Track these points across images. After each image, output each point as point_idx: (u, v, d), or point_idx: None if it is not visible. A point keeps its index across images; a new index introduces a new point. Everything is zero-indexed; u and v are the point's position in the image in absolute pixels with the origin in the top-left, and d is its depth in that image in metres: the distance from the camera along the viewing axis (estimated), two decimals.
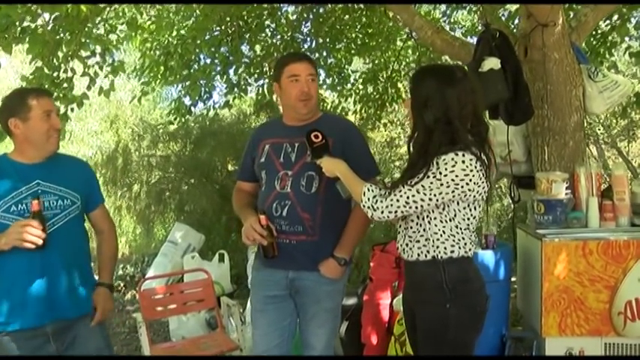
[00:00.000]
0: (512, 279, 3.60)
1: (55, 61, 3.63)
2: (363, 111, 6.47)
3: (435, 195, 1.71)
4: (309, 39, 5.86)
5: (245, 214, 2.17)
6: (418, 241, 1.81)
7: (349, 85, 6.46)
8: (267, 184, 2.19)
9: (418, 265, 1.82)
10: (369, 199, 1.78)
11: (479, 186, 1.74)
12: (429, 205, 1.73)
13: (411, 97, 1.79)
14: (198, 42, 5.23)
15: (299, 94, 2.14)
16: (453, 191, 1.71)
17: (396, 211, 1.75)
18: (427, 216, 1.79)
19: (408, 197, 1.73)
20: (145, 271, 5.62)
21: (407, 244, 1.85)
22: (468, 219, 1.80)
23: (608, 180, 3.37)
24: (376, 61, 6.34)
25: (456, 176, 1.69)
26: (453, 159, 1.69)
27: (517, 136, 3.34)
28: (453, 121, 1.72)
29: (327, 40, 5.83)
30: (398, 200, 1.74)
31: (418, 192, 1.72)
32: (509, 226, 5.16)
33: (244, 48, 5.73)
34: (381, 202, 1.75)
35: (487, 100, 2.80)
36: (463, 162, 1.69)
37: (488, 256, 3.05)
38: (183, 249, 5.18)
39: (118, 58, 4.60)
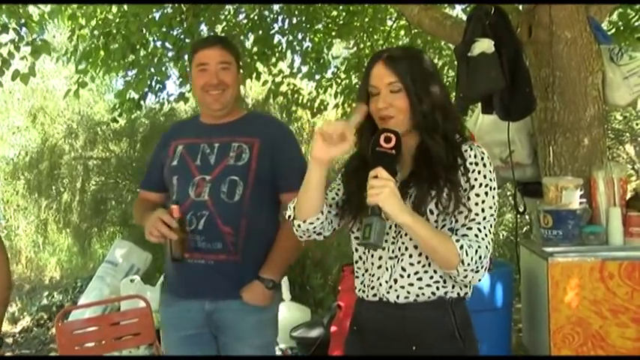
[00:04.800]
0: (518, 306, 3.54)
1: None
2: (345, 105, 6.40)
3: (495, 210, 1.58)
4: (280, 18, 5.80)
5: (150, 213, 2.07)
6: (416, 282, 1.59)
7: (329, 74, 6.40)
8: (179, 192, 2.12)
9: (414, 309, 1.60)
10: (472, 258, 1.49)
11: None
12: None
13: (403, 83, 1.57)
14: (145, 20, 5.11)
15: (205, 85, 2.11)
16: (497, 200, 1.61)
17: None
18: None
19: (490, 233, 1.56)
20: (77, 298, 5.48)
21: (395, 281, 1.61)
22: None
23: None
24: (361, 45, 6.28)
25: (495, 176, 1.59)
26: (483, 152, 1.58)
27: (520, 134, 3.31)
28: (449, 99, 1.66)
29: (303, 19, 5.77)
30: (490, 243, 1.55)
31: (494, 218, 1.57)
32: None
33: (202, 28, 5.64)
34: (484, 257, 1.52)
35: (478, 90, 2.75)
36: (489, 157, 1.60)
37: (482, 279, 2.96)
38: (124, 271, 5.08)
39: (44, 36, 4.48)
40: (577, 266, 2.70)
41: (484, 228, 1.54)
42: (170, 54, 5.60)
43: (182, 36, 5.46)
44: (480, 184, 1.54)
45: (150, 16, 5.20)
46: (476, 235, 1.53)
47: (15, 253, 6.89)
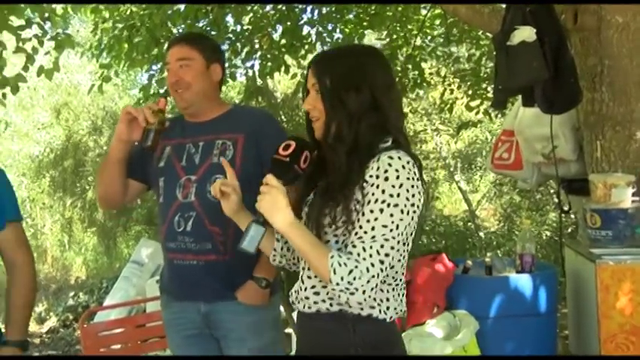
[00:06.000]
0: (564, 311, 3.46)
1: None
2: None
3: (395, 229, 1.47)
4: (309, 9, 5.76)
5: None
6: (312, 295, 1.58)
7: None
8: (166, 194, 2.17)
9: (319, 320, 1.60)
10: (342, 278, 1.44)
11: (420, 201, 1.52)
12: (399, 245, 1.48)
13: (320, 86, 1.58)
14: (169, 12, 5.13)
15: (170, 85, 2.17)
16: (412, 218, 1.49)
17: (376, 285, 1.47)
18: None
19: (379, 254, 1.46)
20: (102, 299, 5.55)
21: (298, 291, 1.62)
22: (403, 263, 1.57)
23: None
24: (394, 36, 6.19)
25: (407, 190, 1.48)
26: (390, 165, 1.48)
27: (564, 128, 3.22)
28: (381, 102, 1.56)
29: (333, 9, 5.72)
30: (373, 265, 1.45)
31: (386, 238, 1.46)
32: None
33: (229, 20, 5.65)
34: (359, 279, 1.45)
35: (518, 81, 2.67)
36: (403, 167, 1.48)
37: (524, 282, 2.93)
38: (150, 271, 5.13)
39: (69, 30, 4.54)
40: (629, 269, 2.60)
41: (370, 247, 1.45)
42: None
43: (208, 28, 5.48)
44: (376, 200, 1.46)
45: (174, 8, 5.23)
46: (358, 254, 1.45)
47: (41, 253, 7.03)
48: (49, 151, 6.21)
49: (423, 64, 6.30)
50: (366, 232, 1.47)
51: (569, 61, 2.81)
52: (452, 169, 8.33)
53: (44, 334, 5.85)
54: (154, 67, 5.75)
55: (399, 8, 5.86)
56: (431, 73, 6.69)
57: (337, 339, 1.57)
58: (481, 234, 7.53)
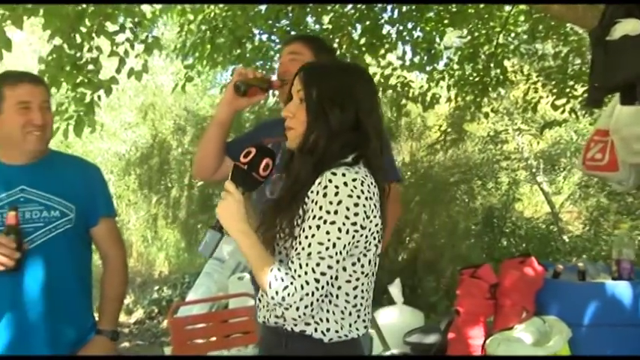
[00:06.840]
0: None
1: (78, 37, 3.74)
2: (458, 98, 6.24)
3: (332, 247, 1.45)
4: (389, 7, 5.73)
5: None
6: (262, 307, 1.61)
7: (441, 65, 6.25)
8: (258, 191, 2.15)
9: (266, 331, 1.64)
10: (277, 292, 1.44)
11: (371, 221, 1.50)
12: (338, 264, 1.47)
13: (306, 95, 1.58)
14: (251, 13, 5.24)
15: (278, 74, 2.24)
16: (353, 236, 1.47)
17: (311, 303, 1.46)
18: None
19: (314, 272, 1.45)
20: (185, 294, 5.73)
21: (260, 298, 1.65)
22: (357, 285, 1.55)
23: None
24: (476, 33, 6.08)
25: (347, 208, 1.45)
26: (331, 180, 1.46)
27: None
28: (363, 123, 1.56)
29: (413, 7, 5.67)
30: (308, 283, 1.44)
31: (322, 257, 1.45)
32: None
33: (309, 20, 5.71)
34: (292, 295, 1.45)
35: (618, 78, 2.56)
36: (345, 184, 1.46)
37: (622, 289, 2.80)
38: (231, 268, 5.24)
39: (155, 33, 4.73)
40: None
41: (306, 265, 1.44)
42: (277, 47, 5.71)
43: (288, 28, 5.56)
44: (314, 217, 1.46)
45: (256, 9, 5.34)
46: (295, 271, 1.45)
47: (127, 247, 7.31)
48: (135, 150, 6.49)
49: (506, 62, 6.16)
50: (303, 249, 1.47)
51: None
52: (534, 170, 8.09)
53: (132, 325, 6.13)
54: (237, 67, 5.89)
55: (481, 5, 5.74)
56: (514, 72, 6.52)
57: (273, 352, 1.61)
58: (565, 237, 7.28)
